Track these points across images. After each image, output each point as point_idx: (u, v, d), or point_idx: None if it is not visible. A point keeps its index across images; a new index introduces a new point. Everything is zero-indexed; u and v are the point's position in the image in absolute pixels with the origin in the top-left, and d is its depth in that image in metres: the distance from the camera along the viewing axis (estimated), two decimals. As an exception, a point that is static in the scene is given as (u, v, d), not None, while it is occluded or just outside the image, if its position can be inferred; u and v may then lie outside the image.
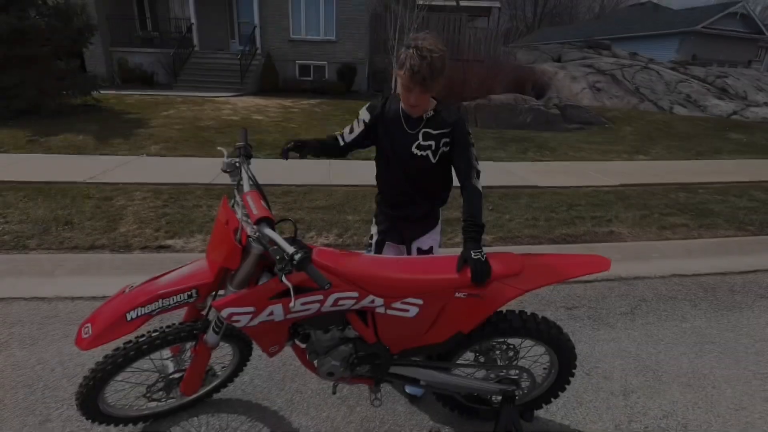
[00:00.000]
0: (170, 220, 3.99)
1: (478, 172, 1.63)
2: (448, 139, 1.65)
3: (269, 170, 5.71)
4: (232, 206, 1.44)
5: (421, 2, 9.31)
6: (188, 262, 1.54)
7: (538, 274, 1.52)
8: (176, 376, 1.70)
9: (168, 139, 7.07)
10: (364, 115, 1.78)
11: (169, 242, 3.62)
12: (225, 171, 1.56)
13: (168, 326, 1.58)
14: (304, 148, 1.73)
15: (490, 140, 8.46)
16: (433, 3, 11.19)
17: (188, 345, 1.74)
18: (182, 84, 13.36)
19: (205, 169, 5.55)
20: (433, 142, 1.65)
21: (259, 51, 14.46)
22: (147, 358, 1.58)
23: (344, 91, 13.91)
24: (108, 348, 1.49)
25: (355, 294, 1.44)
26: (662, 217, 4.75)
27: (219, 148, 1.79)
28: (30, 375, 2.17)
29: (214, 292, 1.47)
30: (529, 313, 1.69)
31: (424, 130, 1.66)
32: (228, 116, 9.28)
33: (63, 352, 2.34)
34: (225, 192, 4.74)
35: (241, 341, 1.78)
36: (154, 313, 1.37)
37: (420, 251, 1.89)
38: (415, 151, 1.67)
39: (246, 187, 1.46)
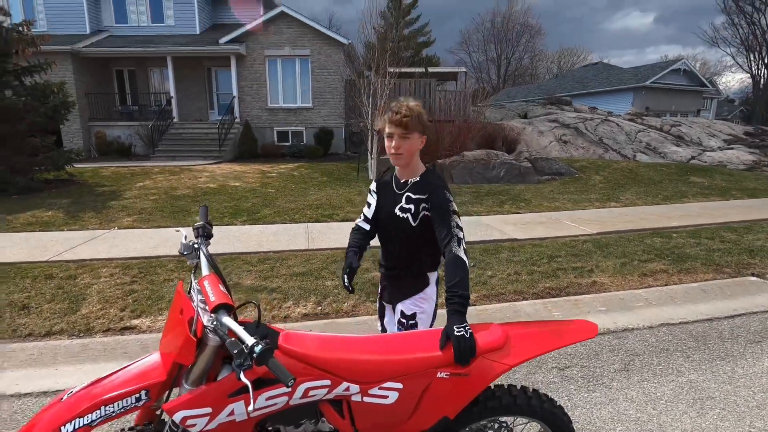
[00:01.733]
0: (137, 297, 3.77)
1: (459, 240, 1.57)
2: (426, 205, 1.69)
3: (246, 237, 5.59)
4: (188, 292, 1.33)
5: (391, 70, 9.87)
6: (140, 357, 1.39)
7: (524, 347, 1.42)
8: (126, 491, 1.47)
9: (141, 211, 6.93)
10: (373, 186, 1.95)
11: (135, 322, 3.38)
12: (182, 254, 1.46)
13: (120, 430, 1.38)
14: (356, 268, 1.80)
15: (466, 195, 8.62)
16: (403, 70, 11.89)
17: (142, 452, 1.52)
18: (160, 154, 13.44)
19: (178, 240, 5.39)
20: (412, 206, 1.72)
21: (237, 120, 14.84)
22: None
23: (322, 155, 14.21)
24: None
25: (327, 382, 1.31)
26: (641, 264, 4.77)
27: (177, 229, 1.70)
28: (-44, 498, 1.86)
29: (168, 391, 1.31)
30: (519, 387, 1.57)
31: (407, 193, 1.74)
32: (205, 184, 9.26)
33: (0, 465, 2.05)
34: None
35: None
36: (95, 424, 1.20)
37: (403, 315, 1.80)
38: (397, 212, 1.75)
39: (204, 271, 1.36)
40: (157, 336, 3.24)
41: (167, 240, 5.43)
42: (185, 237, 1.50)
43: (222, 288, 1.26)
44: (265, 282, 4.16)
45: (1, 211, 6.78)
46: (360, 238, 1.91)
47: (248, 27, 14.50)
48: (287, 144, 15.03)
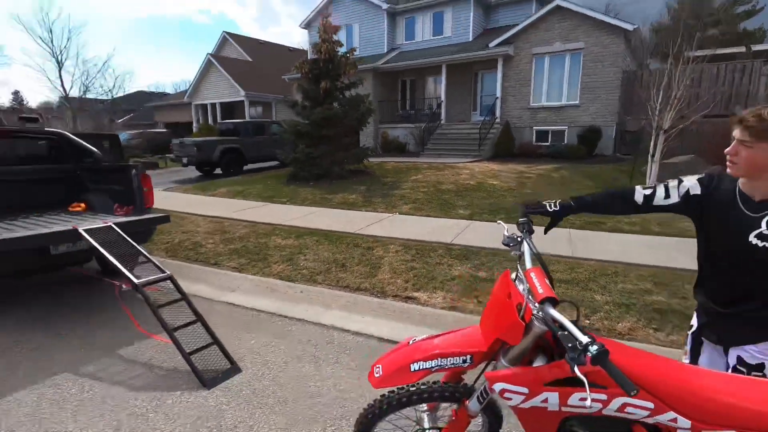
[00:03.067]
0: (417, 273, 4.43)
1: None
2: None
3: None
4: (515, 280, 1.46)
5: (698, 53, 8.01)
6: (460, 328, 1.63)
7: None
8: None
9: (415, 201, 8.07)
10: (694, 186, 1.53)
11: (416, 294, 4.00)
12: (506, 245, 1.62)
13: (434, 382, 1.68)
14: (559, 215, 1.73)
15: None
16: (716, 52, 9.41)
17: (443, 405, 1.80)
18: (428, 152, 15.28)
19: (445, 229, 6.02)
20: None
21: (498, 120, 15.26)
22: (411, 408, 1.72)
23: (585, 156, 12.97)
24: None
25: (649, 405, 1.21)
26: None
27: (498, 221, 1.89)
28: (312, 389, 2.68)
29: (486, 362, 1.50)
30: None
31: None
32: (465, 180, 9.96)
33: (335, 375, 2.82)
34: (462, 253, 4.99)
35: (494, 415, 1.73)
36: (433, 370, 1.49)
37: (742, 363, 1.45)
38: (753, 240, 1.37)
39: (528, 263, 1.46)
40: (431, 310, 3.74)
41: (436, 228, 6.15)
42: (506, 230, 1.66)
43: (547, 282, 1.34)
44: (527, 282, 4.17)
45: (326, 192, 9.21)
46: (609, 198, 1.69)
47: (519, 27, 14.58)
48: (545, 144, 14.45)
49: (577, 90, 14.15)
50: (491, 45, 14.95)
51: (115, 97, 26.72)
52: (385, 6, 18.05)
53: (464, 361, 1.47)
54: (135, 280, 2.95)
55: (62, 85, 24.28)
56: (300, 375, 2.83)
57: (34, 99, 67.89)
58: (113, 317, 3.77)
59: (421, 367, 1.48)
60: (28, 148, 4.93)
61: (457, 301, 3.84)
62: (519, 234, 1.63)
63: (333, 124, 10.78)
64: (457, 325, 2.10)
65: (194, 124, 26.07)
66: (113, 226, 3.53)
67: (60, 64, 23.98)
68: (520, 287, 1.38)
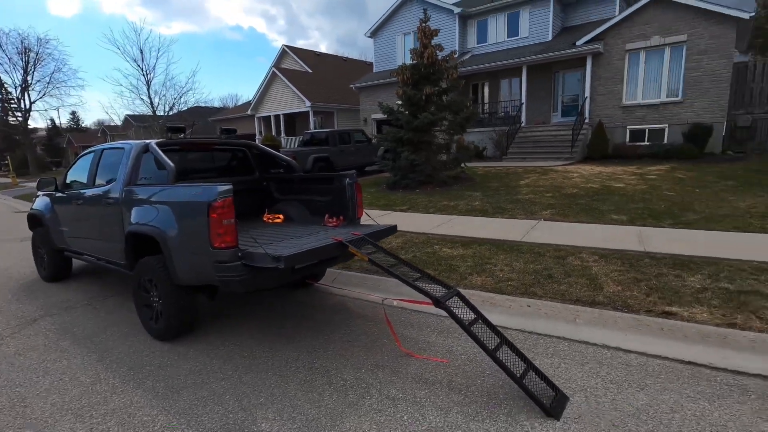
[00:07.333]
0: (650, 285, 4.00)
1: None
2: None
3: (701, 243, 5.20)
4: None
5: None
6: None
7: None
8: None
9: (550, 206, 7.63)
10: None
11: (672, 309, 3.59)
12: None
13: None
14: None
15: None
16: None
17: None
18: (511, 156, 14.79)
19: (623, 236, 5.58)
20: None
21: (587, 120, 14.59)
22: None
23: (697, 155, 12.12)
24: None
25: None
26: None
27: None
28: (671, 422, 2.32)
29: None
30: None
31: None
32: (584, 184, 9.44)
33: (679, 405, 2.45)
34: (677, 263, 4.42)
35: None
36: None
37: None
38: None
39: None
40: (711, 329, 3.30)
41: (611, 237, 5.70)
42: None
43: None
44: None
45: (442, 199, 8.92)
46: None
47: (610, 23, 13.92)
48: (643, 144, 13.67)
49: (678, 85, 13.33)
50: (579, 43, 14.35)
51: (173, 113, 27.55)
52: (457, 10, 17.81)
53: None
54: (436, 295, 2.72)
55: (151, 102, 25.34)
56: (643, 405, 2.50)
57: (89, 118, 72.62)
58: (358, 333, 3.58)
59: None
60: (218, 160, 4.92)
61: (729, 317, 3.40)
62: None
63: (426, 131, 10.55)
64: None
65: (257, 136, 26.66)
66: (367, 238, 3.35)
67: (148, 83, 25.10)
68: None
